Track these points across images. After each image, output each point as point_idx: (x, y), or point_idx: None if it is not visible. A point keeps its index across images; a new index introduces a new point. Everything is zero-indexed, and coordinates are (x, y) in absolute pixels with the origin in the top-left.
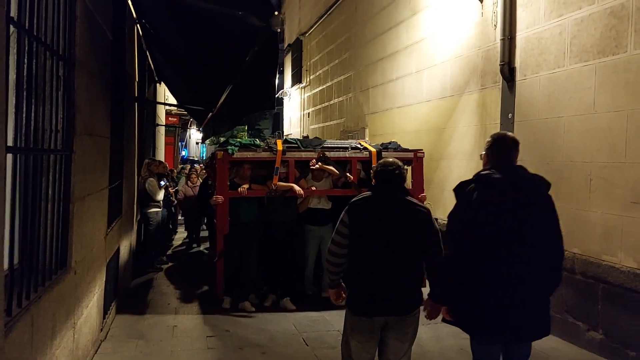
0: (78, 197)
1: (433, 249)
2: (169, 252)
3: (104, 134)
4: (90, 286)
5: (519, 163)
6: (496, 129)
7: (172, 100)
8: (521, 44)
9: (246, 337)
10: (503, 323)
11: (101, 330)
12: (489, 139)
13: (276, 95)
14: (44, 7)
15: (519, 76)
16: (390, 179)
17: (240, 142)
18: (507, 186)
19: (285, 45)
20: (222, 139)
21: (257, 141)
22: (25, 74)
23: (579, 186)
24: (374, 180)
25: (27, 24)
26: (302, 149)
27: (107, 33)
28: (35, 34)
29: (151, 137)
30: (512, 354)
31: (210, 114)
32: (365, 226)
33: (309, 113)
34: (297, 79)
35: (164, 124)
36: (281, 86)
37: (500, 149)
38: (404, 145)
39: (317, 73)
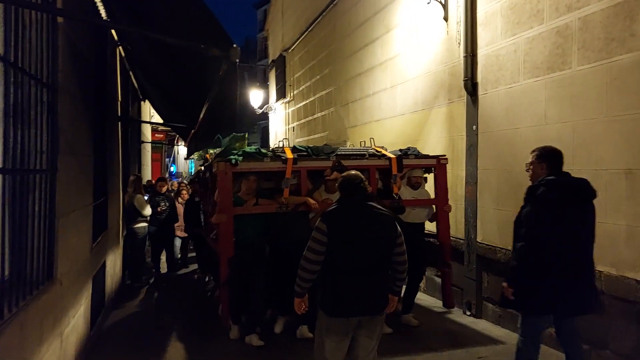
0: (63, 213)
1: (399, 250)
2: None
3: (87, 153)
4: (77, 297)
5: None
6: (462, 140)
7: (157, 117)
8: (482, 61)
9: None
10: (562, 300)
11: (88, 340)
12: (540, 152)
13: (261, 110)
14: (27, 40)
15: (480, 91)
16: (357, 190)
17: (244, 150)
18: (571, 187)
19: (270, 61)
20: (211, 151)
21: (263, 149)
22: (11, 102)
23: None
24: (341, 192)
25: (12, 57)
26: (315, 157)
27: (88, 58)
28: (20, 65)
29: (136, 154)
30: (563, 327)
31: (193, 130)
32: (340, 234)
33: (294, 127)
34: (281, 94)
35: (150, 140)
36: (266, 101)
37: (557, 159)
38: None
39: (301, 88)
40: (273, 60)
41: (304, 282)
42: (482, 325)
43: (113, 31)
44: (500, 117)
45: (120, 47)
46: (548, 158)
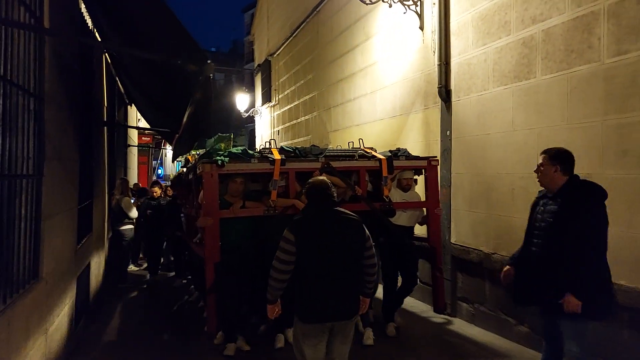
0: (48, 215)
1: (369, 253)
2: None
3: (73, 158)
4: (62, 297)
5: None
6: (437, 144)
7: (143, 120)
8: (455, 69)
9: None
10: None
11: (70, 339)
12: (553, 153)
13: (247, 114)
14: (15, 53)
15: (454, 97)
16: (325, 196)
17: (230, 151)
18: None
19: (255, 65)
20: (193, 152)
21: (250, 151)
22: (0, 111)
23: (505, 195)
24: (307, 199)
25: (1, 70)
26: (303, 158)
27: (74, 68)
28: (9, 78)
29: (122, 157)
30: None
31: (177, 135)
32: (309, 242)
33: (279, 130)
34: (267, 98)
35: (137, 144)
36: (253, 104)
37: (571, 160)
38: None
39: (286, 92)
40: (259, 65)
41: (275, 290)
42: (457, 324)
43: (99, 38)
44: (472, 123)
45: (106, 54)
46: (562, 160)
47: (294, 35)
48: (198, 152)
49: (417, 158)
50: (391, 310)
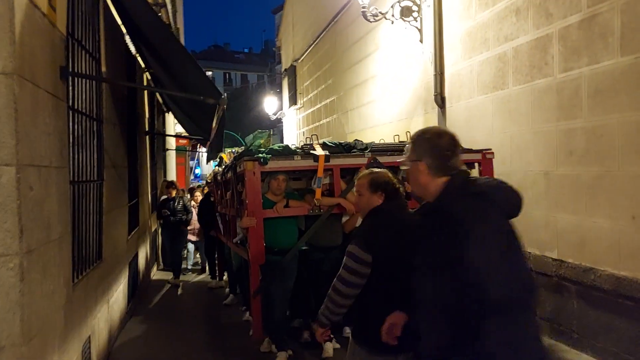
0: (107, 211)
1: None
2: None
3: (123, 165)
4: (118, 276)
5: None
6: None
7: (179, 125)
8: (448, 79)
9: None
10: None
11: (126, 313)
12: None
13: (275, 116)
14: (82, 89)
15: (447, 104)
16: (396, 192)
17: (271, 148)
18: None
19: (283, 69)
20: (229, 150)
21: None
22: (76, 134)
23: None
24: (379, 196)
25: (75, 105)
26: (348, 153)
27: (123, 91)
28: (80, 109)
29: (162, 160)
30: None
31: (208, 142)
32: (389, 257)
33: (304, 132)
34: (293, 101)
35: (175, 147)
36: (281, 107)
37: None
38: None
39: (309, 96)
40: (285, 69)
41: (333, 315)
42: None
43: (141, 61)
44: (462, 127)
45: (147, 72)
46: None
47: (315, 43)
48: (234, 150)
49: (469, 151)
50: None
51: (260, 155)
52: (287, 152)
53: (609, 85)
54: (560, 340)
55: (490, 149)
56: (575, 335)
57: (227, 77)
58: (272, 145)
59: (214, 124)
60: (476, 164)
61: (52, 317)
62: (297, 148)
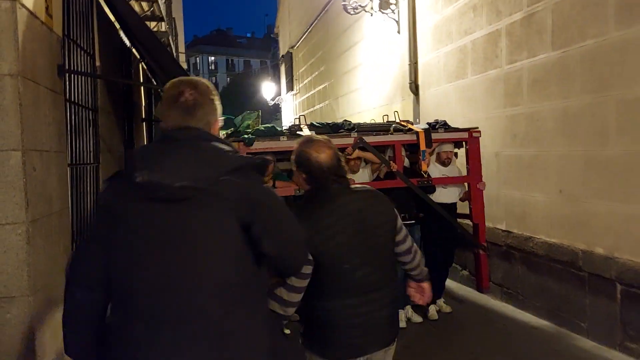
0: None
1: (401, 236)
2: None
3: (119, 150)
4: None
5: None
6: None
7: None
8: (421, 68)
9: None
10: None
11: None
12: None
13: (273, 102)
14: (79, 84)
15: (420, 91)
16: (340, 169)
17: (257, 129)
18: None
19: (280, 55)
20: (222, 133)
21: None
22: (73, 122)
23: None
24: (307, 177)
25: (72, 98)
26: (334, 133)
27: (118, 82)
28: (76, 101)
29: None
30: None
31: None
32: (324, 243)
33: (299, 117)
34: (290, 87)
35: None
36: (279, 92)
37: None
38: None
39: (304, 82)
40: (282, 56)
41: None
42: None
43: (135, 52)
44: (432, 113)
45: (142, 62)
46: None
47: (309, 30)
48: (226, 132)
49: (456, 130)
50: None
51: (245, 136)
52: (272, 133)
53: (543, 76)
54: (509, 302)
55: (477, 128)
56: (520, 297)
57: (230, 62)
58: (260, 126)
59: None
60: (463, 143)
61: (54, 277)
62: (284, 129)
